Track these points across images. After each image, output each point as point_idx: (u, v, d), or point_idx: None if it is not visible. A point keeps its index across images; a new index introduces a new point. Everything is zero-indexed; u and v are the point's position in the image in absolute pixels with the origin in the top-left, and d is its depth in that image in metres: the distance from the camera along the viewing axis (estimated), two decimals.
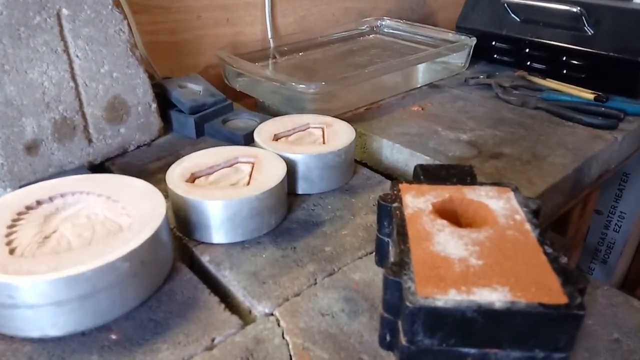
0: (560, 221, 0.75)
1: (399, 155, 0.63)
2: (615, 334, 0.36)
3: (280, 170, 0.49)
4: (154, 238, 0.39)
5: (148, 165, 0.61)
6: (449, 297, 0.30)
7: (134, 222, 0.41)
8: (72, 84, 0.56)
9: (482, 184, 0.42)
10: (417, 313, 0.30)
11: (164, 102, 0.69)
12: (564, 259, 0.60)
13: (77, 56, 0.56)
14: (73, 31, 0.55)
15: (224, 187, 0.47)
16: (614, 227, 1.17)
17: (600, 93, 0.71)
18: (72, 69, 0.56)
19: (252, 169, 0.51)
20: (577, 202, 0.71)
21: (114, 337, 0.37)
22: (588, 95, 0.72)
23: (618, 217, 1.16)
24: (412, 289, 0.31)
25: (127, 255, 0.37)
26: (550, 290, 0.31)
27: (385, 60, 0.81)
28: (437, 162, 0.59)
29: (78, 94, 0.57)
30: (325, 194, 0.54)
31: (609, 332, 0.36)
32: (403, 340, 0.31)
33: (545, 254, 0.34)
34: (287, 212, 0.51)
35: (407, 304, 0.30)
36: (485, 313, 0.29)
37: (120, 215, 0.43)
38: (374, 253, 0.44)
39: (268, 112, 0.78)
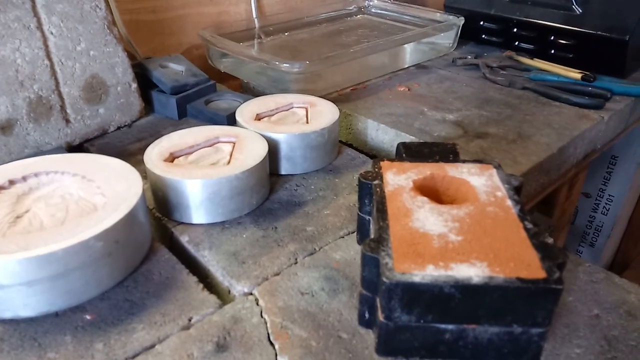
0: (547, 202, 0.75)
1: (385, 135, 0.62)
2: (595, 310, 0.36)
3: (262, 150, 0.48)
4: (129, 217, 0.38)
5: (128, 147, 0.60)
6: (426, 273, 0.30)
7: (108, 201, 0.40)
8: (47, 62, 0.54)
9: (464, 161, 0.41)
10: (394, 289, 0.29)
11: (145, 83, 0.67)
12: (549, 240, 0.60)
13: (52, 33, 0.54)
14: (46, 7, 0.53)
15: (203, 167, 0.46)
16: (602, 210, 1.18)
17: (587, 72, 0.71)
18: (46, 46, 0.54)
19: (233, 148, 0.50)
20: (564, 182, 0.71)
21: (88, 317, 0.36)
22: (575, 75, 0.71)
23: (606, 200, 1.16)
24: (389, 265, 0.30)
25: (100, 234, 0.36)
26: (528, 266, 0.30)
27: (372, 40, 0.79)
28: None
29: (54, 73, 0.55)
30: (308, 175, 0.54)
31: (589, 308, 0.36)
32: (381, 316, 0.31)
33: (525, 229, 0.33)
34: (269, 193, 0.50)
35: (384, 279, 0.29)
36: (463, 288, 0.29)
37: (95, 194, 0.42)
38: (356, 232, 0.43)
39: (253, 93, 0.77)
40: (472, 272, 0.30)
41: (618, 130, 0.70)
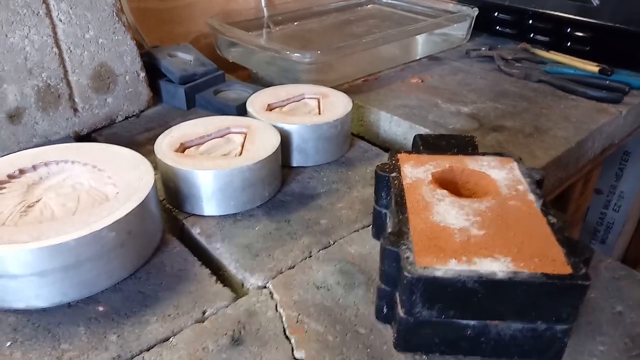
0: (561, 198, 0.74)
1: (397, 128, 0.61)
2: (618, 307, 0.35)
3: (274, 141, 0.47)
4: (141, 208, 0.38)
5: (136, 137, 0.59)
6: (448, 267, 0.29)
7: (120, 191, 0.39)
8: (55, 49, 0.54)
9: (484, 154, 0.40)
10: (416, 283, 0.29)
11: (153, 72, 0.66)
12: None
13: (61, 20, 0.53)
14: None
15: (214, 158, 0.46)
16: (614, 207, 1.17)
17: (605, 66, 0.69)
18: (55, 33, 0.53)
19: (245, 139, 0.49)
20: (579, 178, 0.70)
21: (101, 309, 0.35)
22: (592, 68, 0.70)
23: (618, 196, 1.15)
24: (410, 259, 0.29)
25: (113, 225, 0.35)
26: (553, 261, 0.29)
27: (384, 30, 0.78)
28: None
29: (62, 61, 0.55)
30: (320, 167, 0.53)
31: (612, 305, 0.35)
32: (401, 312, 0.30)
33: (549, 224, 0.32)
34: (281, 185, 0.49)
35: (406, 274, 0.28)
36: (487, 283, 0.28)
37: (106, 184, 0.41)
38: (371, 226, 0.43)
39: (262, 84, 0.76)
40: (496, 267, 0.29)
41: (636, 125, 0.69)
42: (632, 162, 1.10)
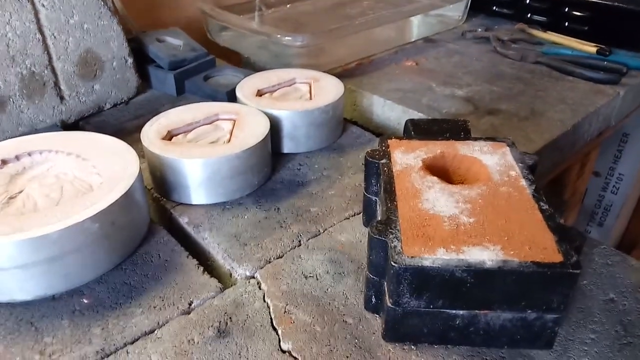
0: (557, 181, 0.73)
1: (391, 112, 0.60)
2: (610, 294, 0.34)
3: (263, 127, 0.46)
4: (126, 198, 0.37)
5: (125, 124, 0.58)
6: (437, 257, 0.28)
7: (104, 181, 0.38)
8: (39, 35, 0.52)
9: (476, 139, 0.39)
10: (403, 273, 0.28)
11: (142, 58, 0.65)
12: (559, 220, 0.57)
13: (43, 5, 0.52)
14: None
15: (202, 145, 0.45)
16: (612, 189, 1.16)
17: (602, 46, 0.68)
18: (38, 19, 0.52)
19: (233, 126, 0.48)
20: (576, 161, 0.69)
21: (85, 301, 0.35)
22: (590, 48, 0.68)
23: (616, 178, 1.14)
24: (398, 248, 0.29)
25: (96, 216, 0.35)
26: (544, 249, 0.29)
27: (378, 12, 0.76)
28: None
29: (46, 47, 0.53)
30: (312, 153, 0.52)
31: (605, 292, 0.35)
32: (388, 302, 0.30)
33: (541, 210, 0.32)
34: (272, 172, 0.49)
35: (393, 263, 0.28)
36: (476, 273, 0.28)
37: (91, 174, 0.40)
38: (362, 213, 0.42)
39: (254, 69, 0.74)
40: (485, 255, 0.28)
41: (633, 107, 0.68)
42: (630, 144, 1.09)
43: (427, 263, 0.28)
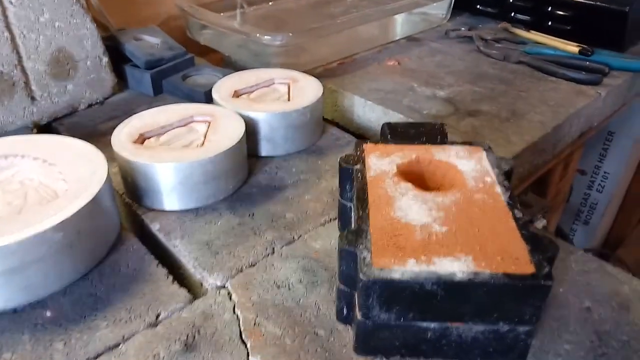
0: (541, 182, 0.73)
1: (372, 113, 0.59)
2: (586, 302, 0.34)
3: (238, 130, 0.45)
4: (92, 205, 0.36)
5: (100, 126, 0.56)
6: (406, 268, 0.27)
7: (70, 187, 0.37)
8: (7, 34, 0.50)
9: (452, 143, 0.39)
10: (372, 286, 0.27)
11: (118, 57, 0.63)
12: (542, 222, 0.57)
13: (11, 2, 0.50)
14: None
15: (175, 149, 0.43)
16: (597, 188, 1.16)
17: (585, 46, 0.67)
18: (5, 17, 0.50)
19: (208, 128, 0.46)
20: (558, 161, 0.69)
21: (48, 314, 0.34)
22: (572, 48, 0.68)
23: (602, 177, 1.14)
24: (367, 260, 0.28)
25: (60, 225, 0.33)
26: (516, 259, 0.28)
27: (361, 10, 0.75)
28: (411, 120, 0.55)
29: (15, 46, 0.51)
30: (290, 156, 0.51)
31: (580, 300, 0.34)
32: (358, 314, 0.29)
33: (515, 219, 0.31)
34: (248, 176, 0.48)
35: (361, 276, 0.27)
36: (446, 285, 0.27)
37: (57, 180, 0.39)
38: (337, 219, 0.41)
39: (235, 68, 0.73)
40: (456, 267, 0.27)
41: (615, 107, 0.68)
42: (615, 142, 1.09)
43: (396, 275, 0.27)
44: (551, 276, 0.27)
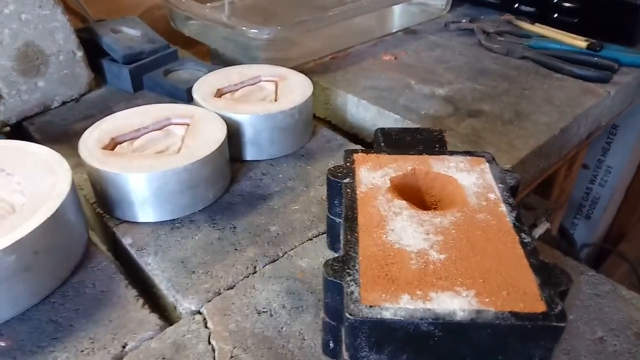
0: (544, 182, 0.69)
1: (366, 113, 0.55)
2: (599, 332, 0.31)
3: (219, 134, 0.42)
4: (52, 222, 0.32)
5: (74, 125, 0.52)
6: (399, 306, 0.24)
7: (28, 202, 0.33)
8: None
9: (452, 152, 0.35)
10: (360, 326, 0.24)
11: (96, 50, 0.59)
12: (546, 225, 0.53)
13: None
14: None
15: (148, 156, 0.40)
16: (600, 182, 1.13)
17: (593, 40, 0.63)
18: None
19: (186, 132, 0.43)
20: (564, 162, 0.65)
21: (2, 344, 0.30)
22: (580, 42, 0.64)
23: (605, 171, 1.11)
24: (354, 295, 0.24)
25: (12, 247, 0.30)
26: (524, 294, 0.25)
27: (356, 1, 0.71)
28: (407, 122, 0.51)
29: None
30: (276, 160, 0.47)
31: (593, 329, 0.31)
32: (345, 355, 0.25)
33: (522, 244, 0.28)
34: (230, 183, 0.44)
35: (347, 315, 0.24)
36: (444, 326, 0.23)
37: (14, 192, 0.35)
38: (326, 235, 0.38)
39: (223, 61, 0.69)
40: (456, 304, 0.24)
41: (624, 106, 0.64)
42: (620, 136, 1.06)
43: (388, 315, 0.23)
44: (565, 316, 0.23)
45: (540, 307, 0.24)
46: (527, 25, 0.70)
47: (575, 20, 0.69)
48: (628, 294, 0.33)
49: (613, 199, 1.16)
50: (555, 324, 0.23)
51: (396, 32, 0.73)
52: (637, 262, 1.19)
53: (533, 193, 0.70)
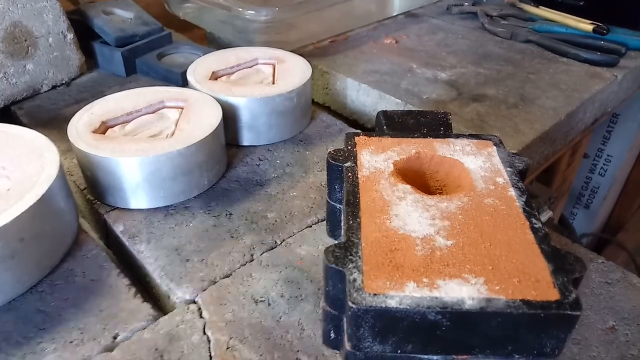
0: (547, 170, 0.68)
1: (366, 97, 0.54)
2: (610, 321, 0.30)
3: (214, 118, 0.40)
4: (39, 208, 0.31)
5: (64, 110, 0.50)
6: (405, 294, 0.23)
7: (13, 187, 0.32)
8: None
9: (457, 135, 0.34)
10: (364, 316, 0.22)
11: (88, 33, 0.57)
12: (549, 213, 0.52)
13: None
14: None
15: (140, 140, 0.38)
16: (600, 171, 1.12)
17: (600, 24, 0.62)
18: None
19: (180, 115, 0.41)
20: (567, 149, 0.64)
21: None
22: (586, 26, 0.62)
23: (605, 160, 1.10)
24: (357, 283, 0.23)
25: None
26: (537, 282, 0.23)
27: None
28: (409, 106, 0.50)
29: None
30: (274, 146, 0.46)
31: (604, 318, 0.30)
32: (347, 345, 0.24)
33: (533, 230, 0.26)
34: (226, 169, 0.42)
35: (350, 304, 0.22)
36: (452, 315, 0.22)
37: None
38: (326, 221, 0.36)
39: (219, 45, 0.67)
40: (465, 292, 0.23)
41: (631, 91, 0.62)
42: (620, 125, 1.04)
43: (392, 303, 0.22)
44: (579, 304, 0.22)
45: (553, 295, 0.23)
46: (531, 9, 0.68)
47: (581, 3, 0.68)
48: (639, 282, 0.32)
49: (612, 188, 1.15)
50: (569, 312, 0.22)
51: (397, 15, 0.71)
52: (636, 252, 1.18)
53: (536, 181, 0.69)
